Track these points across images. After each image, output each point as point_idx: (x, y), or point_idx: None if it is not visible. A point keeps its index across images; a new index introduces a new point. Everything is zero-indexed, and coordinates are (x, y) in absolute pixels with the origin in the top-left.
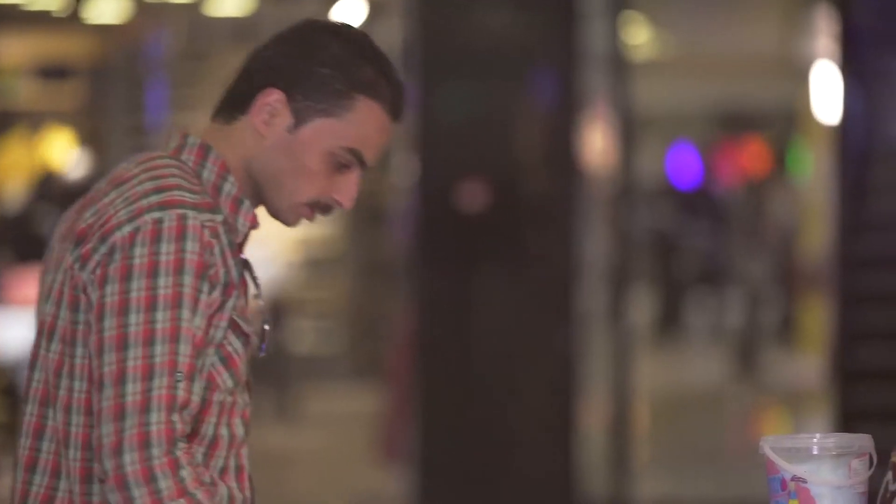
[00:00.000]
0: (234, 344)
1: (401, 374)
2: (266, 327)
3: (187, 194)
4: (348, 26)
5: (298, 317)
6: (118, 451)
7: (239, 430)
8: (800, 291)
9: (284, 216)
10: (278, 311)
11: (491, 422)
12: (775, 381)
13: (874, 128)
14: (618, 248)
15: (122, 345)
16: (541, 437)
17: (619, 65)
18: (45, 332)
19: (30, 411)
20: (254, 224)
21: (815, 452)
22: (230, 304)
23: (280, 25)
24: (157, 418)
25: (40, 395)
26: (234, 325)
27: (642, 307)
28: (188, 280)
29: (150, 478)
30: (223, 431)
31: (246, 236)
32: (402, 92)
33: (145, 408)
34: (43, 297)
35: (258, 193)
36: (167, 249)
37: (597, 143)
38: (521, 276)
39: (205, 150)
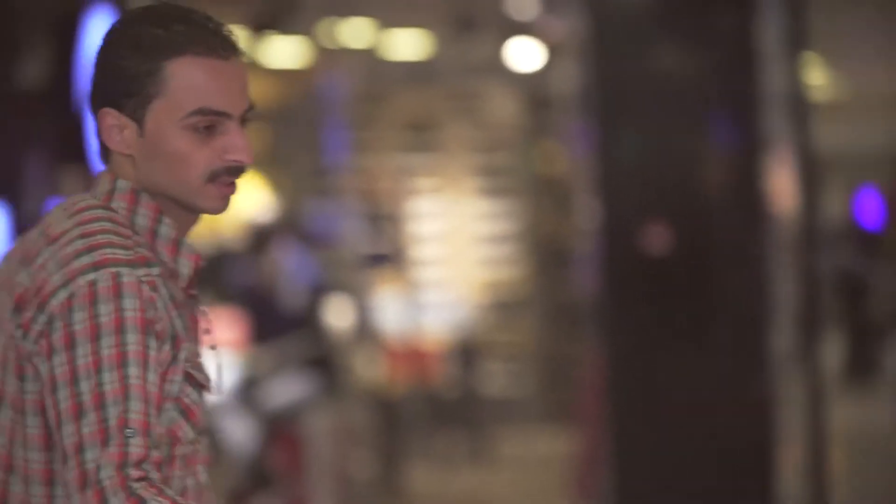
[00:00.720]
0: (192, 395)
1: (591, 417)
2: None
3: (119, 251)
4: (121, 15)
5: (488, 359)
6: None
7: (203, 477)
8: None
9: (204, 205)
10: (469, 353)
11: (685, 465)
12: None
13: None
14: (806, 290)
15: (77, 414)
16: (738, 482)
17: (800, 105)
18: None
19: None
20: (198, 262)
21: None
22: (181, 356)
23: (454, 67)
24: (108, 473)
25: (2, 459)
26: (189, 377)
27: (833, 350)
28: (132, 338)
29: None
30: (189, 482)
31: (192, 278)
32: (208, 26)
33: (98, 468)
34: None
35: (173, 205)
36: (106, 310)
37: (780, 185)
38: (710, 320)
39: (136, 195)
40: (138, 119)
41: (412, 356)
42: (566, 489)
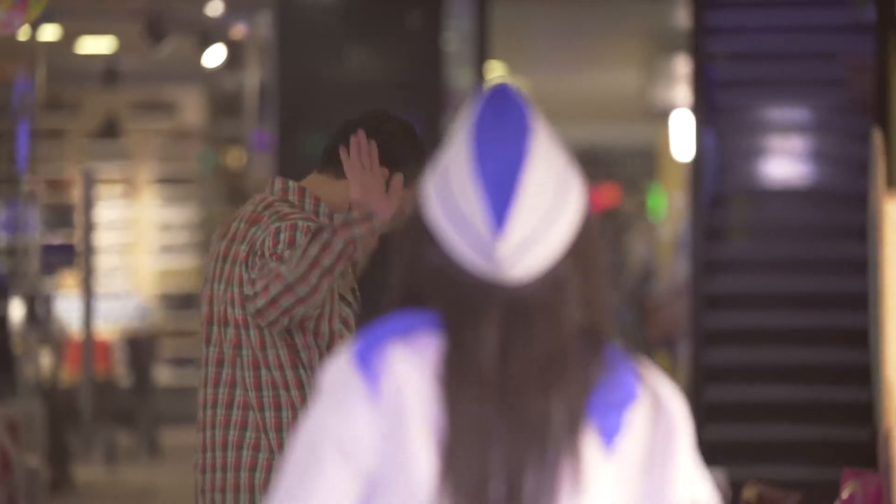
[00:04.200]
0: (345, 311)
1: None
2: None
3: (296, 214)
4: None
5: (162, 351)
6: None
7: None
8: (655, 330)
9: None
10: (141, 345)
11: None
12: None
13: (726, 170)
14: None
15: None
16: None
17: None
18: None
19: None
20: None
21: None
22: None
23: (137, 69)
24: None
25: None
26: (342, 299)
27: None
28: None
29: None
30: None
31: None
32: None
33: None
34: (224, 301)
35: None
36: (284, 238)
37: None
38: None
39: (302, 191)
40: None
41: (86, 348)
42: None
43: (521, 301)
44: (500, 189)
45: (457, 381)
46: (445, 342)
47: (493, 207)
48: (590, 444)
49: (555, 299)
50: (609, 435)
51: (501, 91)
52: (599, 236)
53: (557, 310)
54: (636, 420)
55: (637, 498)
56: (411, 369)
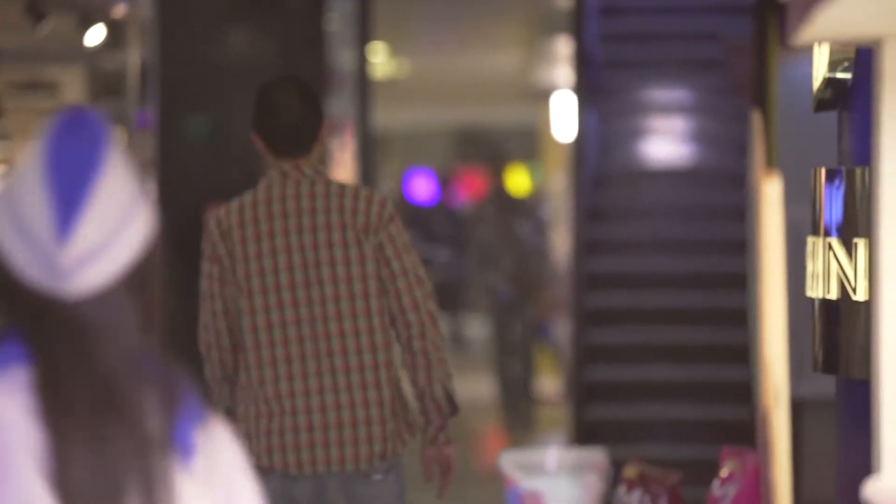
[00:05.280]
0: None
1: None
2: None
3: None
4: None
5: None
6: None
7: None
8: (542, 310)
9: None
10: None
11: None
12: (514, 397)
13: (608, 151)
14: None
15: None
16: None
17: (364, 89)
18: None
19: None
20: None
21: (550, 467)
22: None
23: (18, 49)
24: None
25: None
26: None
27: None
28: None
29: None
30: None
31: None
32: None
33: None
34: None
35: None
36: None
37: (345, 164)
38: None
39: None
40: None
41: None
42: None
43: (78, 318)
44: (70, 195)
45: (47, 408)
46: (31, 370)
47: (59, 214)
48: (174, 464)
49: (110, 319)
50: (186, 454)
51: (78, 109)
52: (159, 272)
53: (113, 329)
54: (204, 441)
55: None
56: (7, 406)
